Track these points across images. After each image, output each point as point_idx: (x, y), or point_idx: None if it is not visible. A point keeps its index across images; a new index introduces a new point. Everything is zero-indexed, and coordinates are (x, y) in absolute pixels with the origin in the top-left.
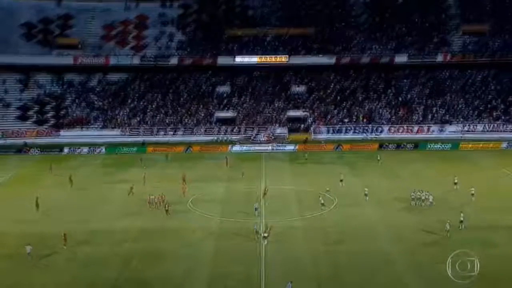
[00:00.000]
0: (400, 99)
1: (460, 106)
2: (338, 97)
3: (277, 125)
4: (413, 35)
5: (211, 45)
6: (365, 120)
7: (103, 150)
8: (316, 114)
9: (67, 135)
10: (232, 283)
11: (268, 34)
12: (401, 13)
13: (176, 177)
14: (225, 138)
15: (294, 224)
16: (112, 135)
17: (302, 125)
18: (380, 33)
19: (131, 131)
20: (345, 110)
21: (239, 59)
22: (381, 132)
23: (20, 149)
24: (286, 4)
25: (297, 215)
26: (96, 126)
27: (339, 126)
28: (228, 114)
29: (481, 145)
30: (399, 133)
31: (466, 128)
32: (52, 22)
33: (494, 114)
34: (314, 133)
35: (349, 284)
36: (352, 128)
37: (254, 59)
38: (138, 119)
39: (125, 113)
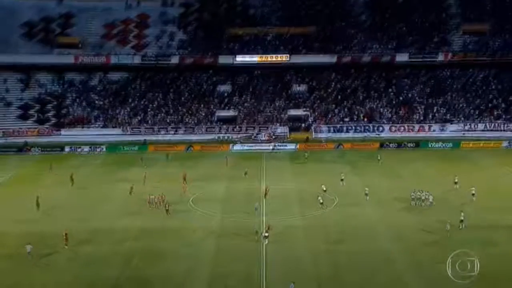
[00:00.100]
0: (401, 98)
1: (461, 105)
2: (339, 96)
3: (278, 124)
4: (414, 34)
5: (212, 44)
6: (366, 119)
7: (104, 149)
8: (317, 113)
9: (68, 135)
10: (232, 282)
11: (269, 33)
12: (402, 12)
13: (177, 176)
14: (226, 137)
15: (295, 223)
16: (113, 134)
17: (303, 124)
18: (380, 33)
19: (132, 130)
20: (346, 109)
21: (240, 58)
22: (382, 131)
23: (21, 149)
24: (287, 3)
25: (298, 214)
26: (97, 125)
27: (340, 125)
28: (229, 113)
29: (482, 144)
30: (400, 132)
31: (467, 127)
32: (53, 21)
33: (495, 113)
34: (315, 132)
35: (349, 284)
36: (353, 127)
37: (255, 58)
38: (139, 118)
39: (126, 113)
